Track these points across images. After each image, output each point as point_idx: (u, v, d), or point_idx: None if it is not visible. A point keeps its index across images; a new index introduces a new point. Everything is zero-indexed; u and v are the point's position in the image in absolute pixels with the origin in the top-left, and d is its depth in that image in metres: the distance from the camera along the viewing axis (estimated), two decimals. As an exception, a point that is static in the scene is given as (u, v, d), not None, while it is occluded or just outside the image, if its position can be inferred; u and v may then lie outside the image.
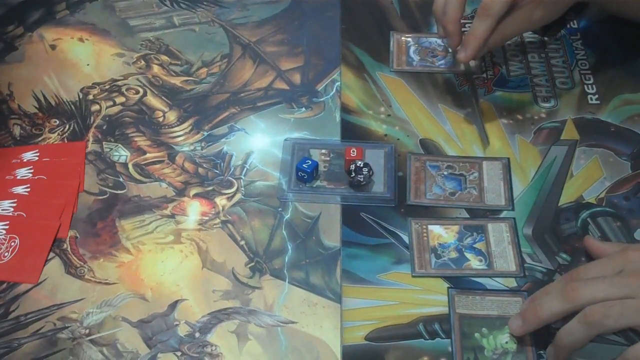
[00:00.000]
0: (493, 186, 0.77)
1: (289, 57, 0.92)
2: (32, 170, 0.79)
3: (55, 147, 0.82)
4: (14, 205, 0.76)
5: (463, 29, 0.94)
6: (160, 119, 0.85)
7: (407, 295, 0.70)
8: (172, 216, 0.76)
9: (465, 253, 0.72)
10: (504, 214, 0.75)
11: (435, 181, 0.77)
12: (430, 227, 0.75)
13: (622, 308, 0.60)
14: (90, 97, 0.87)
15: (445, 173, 0.78)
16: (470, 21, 0.95)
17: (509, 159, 0.79)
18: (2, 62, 0.91)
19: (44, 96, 0.87)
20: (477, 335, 0.66)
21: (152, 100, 0.87)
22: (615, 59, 0.91)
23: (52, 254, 0.73)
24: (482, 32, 0.78)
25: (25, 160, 0.80)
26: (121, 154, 0.82)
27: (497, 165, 0.79)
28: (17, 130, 0.84)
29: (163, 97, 0.87)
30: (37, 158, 0.80)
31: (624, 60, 0.90)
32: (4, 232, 0.74)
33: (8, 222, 0.74)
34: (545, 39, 0.93)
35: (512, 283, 0.70)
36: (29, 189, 0.77)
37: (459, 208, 0.76)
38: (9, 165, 0.79)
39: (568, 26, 0.95)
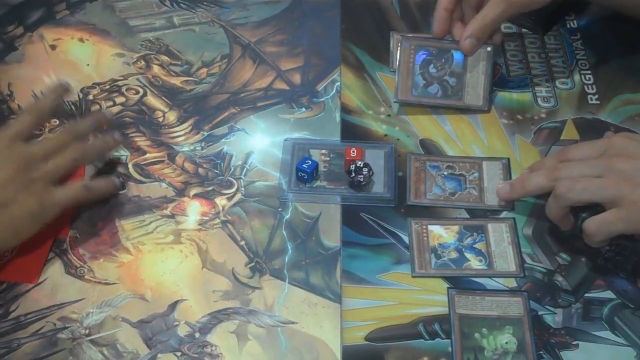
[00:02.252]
0: (493, 186, 0.76)
1: (289, 57, 0.92)
2: None
3: None
4: None
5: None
6: (160, 119, 0.85)
7: (407, 296, 0.70)
8: (172, 216, 0.76)
9: (465, 253, 0.72)
10: (504, 214, 0.75)
11: (435, 181, 0.77)
12: (430, 227, 0.75)
13: (586, 184, 0.67)
14: (90, 97, 0.87)
15: (445, 173, 0.78)
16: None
17: (508, 159, 0.79)
18: (2, 62, 0.91)
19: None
20: (477, 335, 0.66)
21: (152, 101, 0.87)
22: (615, 59, 0.91)
23: (52, 254, 0.73)
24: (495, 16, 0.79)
25: None
26: (121, 154, 0.81)
27: (497, 165, 0.79)
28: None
29: (163, 97, 0.87)
30: None
31: (624, 60, 0.90)
32: None
33: None
34: (545, 39, 0.93)
35: (512, 283, 0.70)
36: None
37: (458, 208, 0.76)
38: None
39: (568, 26, 0.95)
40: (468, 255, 0.72)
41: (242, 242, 0.74)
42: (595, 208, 0.67)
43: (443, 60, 0.81)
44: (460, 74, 0.83)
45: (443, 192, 0.77)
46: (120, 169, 0.79)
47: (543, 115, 0.84)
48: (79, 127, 0.75)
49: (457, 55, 0.83)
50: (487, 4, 0.79)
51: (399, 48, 0.84)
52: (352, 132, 0.83)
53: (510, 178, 0.78)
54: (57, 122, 0.84)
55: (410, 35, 0.85)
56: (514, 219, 0.75)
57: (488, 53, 0.81)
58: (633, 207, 0.65)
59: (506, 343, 0.66)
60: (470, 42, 0.80)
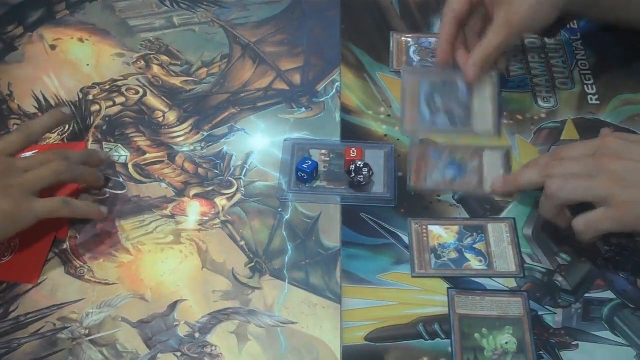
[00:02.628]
0: (493, 175, 0.77)
1: (289, 57, 0.92)
2: None
3: (55, 147, 0.81)
4: None
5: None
6: (160, 119, 0.85)
7: (407, 296, 0.70)
8: (172, 216, 0.76)
9: (465, 253, 0.72)
10: (504, 214, 0.75)
11: (437, 167, 0.77)
12: (430, 227, 0.75)
13: (576, 183, 0.67)
14: (90, 97, 0.87)
15: (447, 160, 0.78)
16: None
17: (509, 148, 0.79)
18: (2, 62, 0.91)
19: (43, 96, 0.87)
20: (477, 335, 0.66)
21: (152, 101, 0.87)
22: (615, 59, 0.91)
23: (52, 254, 0.73)
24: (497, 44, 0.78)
25: None
26: (121, 154, 0.81)
27: (498, 154, 0.79)
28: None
29: (163, 98, 0.87)
30: None
31: (624, 61, 0.90)
32: None
33: None
34: (546, 39, 0.93)
35: (512, 283, 0.70)
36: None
37: (458, 195, 0.76)
38: None
39: (568, 26, 0.95)
40: (468, 255, 0.72)
41: (242, 242, 0.74)
42: (593, 207, 0.67)
43: (448, 90, 0.79)
44: (466, 102, 0.82)
45: (443, 178, 0.77)
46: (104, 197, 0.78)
47: (543, 116, 0.84)
48: (68, 153, 0.74)
49: (462, 84, 0.81)
50: (489, 31, 0.78)
51: (402, 79, 0.83)
52: (352, 132, 0.83)
53: (510, 167, 0.78)
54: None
55: (413, 66, 0.83)
56: (514, 219, 0.75)
57: (492, 79, 0.79)
58: (622, 207, 0.65)
59: (506, 343, 0.66)
60: (474, 71, 0.79)
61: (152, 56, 0.92)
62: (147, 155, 0.81)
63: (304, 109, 0.86)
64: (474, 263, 0.72)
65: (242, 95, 0.88)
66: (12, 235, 0.70)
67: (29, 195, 0.69)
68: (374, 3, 0.98)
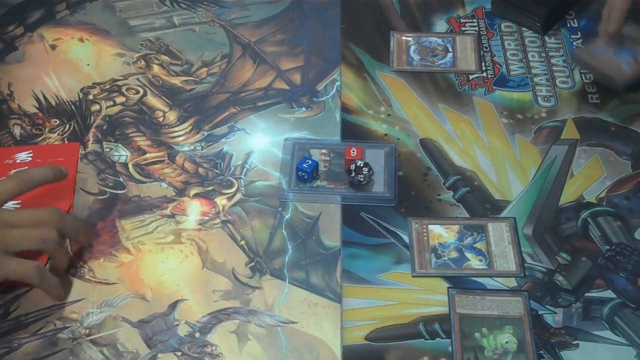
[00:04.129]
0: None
1: (289, 57, 0.92)
2: None
3: (49, 148, 0.81)
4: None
5: (463, 29, 0.95)
6: (160, 119, 0.85)
7: (407, 295, 0.70)
8: (172, 216, 0.76)
9: (465, 253, 0.72)
10: (504, 214, 0.75)
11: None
12: (430, 226, 0.74)
13: None
14: (91, 97, 0.87)
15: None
16: (470, 20, 0.96)
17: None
18: (2, 62, 0.91)
19: (44, 96, 0.87)
20: (477, 335, 0.66)
21: (152, 100, 0.87)
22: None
23: (52, 254, 0.73)
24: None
25: (18, 162, 0.80)
26: (121, 154, 0.82)
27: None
28: (17, 130, 0.84)
29: (163, 97, 0.87)
30: (30, 159, 0.80)
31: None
32: None
33: None
34: (546, 38, 0.93)
35: (512, 283, 0.70)
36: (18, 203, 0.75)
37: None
38: (1, 167, 0.79)
39: (568, 25, 0.95)
40: (468, 254, 0.72)
41: (242, 242, 0.74)
42: None
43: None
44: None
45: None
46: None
47: (543, 115, 0.84)
48: (65, 220, 0.70)
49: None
50: None
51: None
52: (352, 132, 0.83)
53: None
54: (57, 122, 0.84)
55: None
56: (514, 218, 0.75)
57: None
58: None
59: (506, 342, 0.66)
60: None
61: (152, 56, 0.92)
62: (147, 155, 0.81)
63: (304, 109, 0.86)
64: (474, 262, 0.72)
65: (242, 94, 0.88)
66: None
67: (4, 254, 0.66)
68: (374, 2, 0.98)
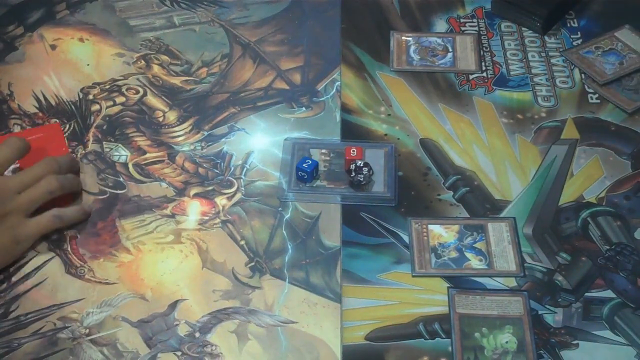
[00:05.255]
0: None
1: (289, 57, 0.92)
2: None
3: (31, 131, 0.82)
4: None
5: (463, 29, 0.95)
6: (160, 119, 0.85)
7: (407, 295, 0.70)
8: (172, 216, 0.76)
9: (465, 253, 0.72)
10: (504, 214, 0.75)
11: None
12: (430, 226, 0.74)
13: None
14: (91, 97, 0.87)
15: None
16: (470, 20, 0.96)
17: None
18: (2, 62, 0.91)
19: (44, 96, 0.87)
20: (477, 335, 0.66)
21: (152, 100, 0.87)
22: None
23: (52, 254, 0.73)
24: None
25: None
26: (121, 153, 0.82)
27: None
28: (17, 130, 0.84)
29: (163, 97, 0.87)
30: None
31: (624, 60, 0.90)
32: None
33: None
34: (546, 38, 0.93)
35: (512, 283, 0.70)
36: (17, 165, 0.77)
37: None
38: None
39: (568, 25, 0.95)
40: (468, 254, 0.72)
41: (242, 242, 0.74)
42: None
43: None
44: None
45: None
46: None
47: (543, 115, 0.84)
48: (58, 162, 0.75)
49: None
50: None
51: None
52: (352, 132, 0.83)
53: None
54: (57, 121, 0.84)
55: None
56: (514, 218, 0.75)
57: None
58: None
59: (506, 342, 0.66)
60: None
61: (152, 56, 0.92)
62: (147, 155, 0.81)
63: (304, 109, 0.86)
64: (474, 262, 0.72)
65: (242, 94, 0.88)
66: (10, 262, 0.71)
67: (24, 218, 0.72)
68: (374, 2, 0.98)
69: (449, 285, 0.70)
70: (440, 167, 0.80)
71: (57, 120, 0.84)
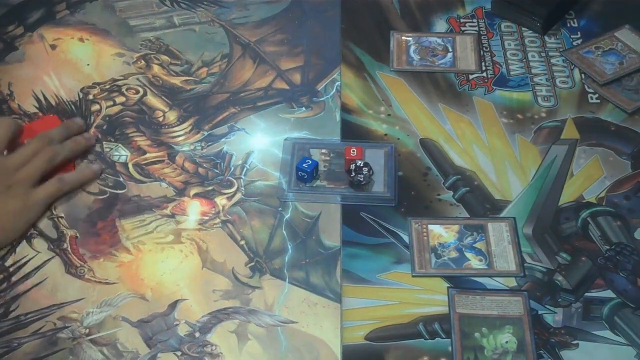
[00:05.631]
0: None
1: (289, 57, 0.92)
2: None
3: (30, 125, 0.83)
4: None
5: (463, 28, 0.95)
6: (160, 119, 0.85)
7: (407, 295, 0.70)
8: (172, 216, 0.76)
9: (465, 253, 0.72)
10: (504, 213, 0.75)
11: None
12: (430, 226, 0.74)
13: None
14: (91, 97, 0.87)
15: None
16: (470, 20, 0.96)
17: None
18: (2, 62, 0.91)
19: (44, 96, 0.87)
20: (477, 334, 0.66)
21: (152, 100, 0.87)
22: (615, 58, 0.91)
23: (52, 254, 0.73)
24: None
25: None
26: (121, 153, 0.82)
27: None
28: (17, 130, 0.84)
29: (163, 97, 0.87)
30: None
31: (624, 60, 0.90)
32: None
33: None
34: (546, 38, 0.93)
35: (512, 283, 0.70)
36: None
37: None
38: None
39: (568, 25, 0.95)
40: (468, 254, 0.72)
41: (242, 242, 0.74)
42: None
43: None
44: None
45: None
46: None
47: (543, 115, 0.84)
48: (50, 135, 0.78)
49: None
50: None
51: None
52: (352, 132, 0.83)
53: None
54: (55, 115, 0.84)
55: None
56: (514, 218, 0.75)
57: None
58: None
59: (506, 342, 0.66)
60: None
61: (152, 56, 0.92)
62: (147, 155, 0.81)
63: (304, 109, 0.86)
64: (474, 262, 0.72)
65: (242, 94, 0.88)
66: (24, 230, 0.73)
67: (30, 188, 0.74)
68: (374, 2, 0.98)
69: (449, 285, 0.70)
70: (440, 167, 0.80)
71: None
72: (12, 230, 0.73)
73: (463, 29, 0.95)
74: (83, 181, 0.78)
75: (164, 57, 0.92)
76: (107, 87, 0.88)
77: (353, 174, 0.76)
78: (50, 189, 0.75)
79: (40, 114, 0.85)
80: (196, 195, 0.78)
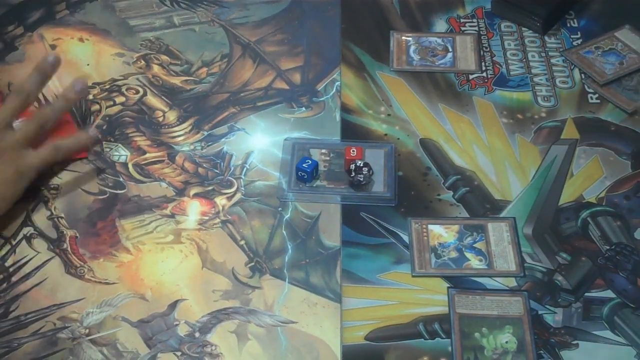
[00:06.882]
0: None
1: (289, 57, 0.92)
2: None
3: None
4: None
5: (463, 28, 0.95)
6: (160, 119, 0.85)
7: (407, 295, 0.70)
8: (172, 216, 0.76)
9: (465, 253, 0.72)
10: (504, 213, 0.75)
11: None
12: (430, 226, 0.74)
13: None
14: (90, 97, 0.87)
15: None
16: (470, 20, 0.96)
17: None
18: (2, 62, 0.91)
19: (44, 96, 0.87)
20: (477, 335, 0.66)
21: (152, 100, 0.87)
22: (615, 58, 0.91)
23: (52, 254, 0.73)
24: None
25: None
26: (121, 153, 0.82)
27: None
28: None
29: (163, 97, 0.87)
30: None
31: (624, 60, 0.90)
32: None
33: None
34: (546, 38, 0.93)
35: (512, 283, 0.70)
36: None
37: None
38: None
39: (568, 25, 0.95)
40: (468, 254, 0.72)
41: (242, 242, 0.74)
42: None
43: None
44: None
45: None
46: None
47: (543, 115, 0.84)
48: (26, 86, 0.76)
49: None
50: None
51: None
52: (352, 132, 0.83)
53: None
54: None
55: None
56: (514, 218, 0.75)
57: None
58: None
59: (506, 342, 0.66)
60: None
61: (152, 56, 0.92)
62: (147, 155, 0.81)
63: (304, 109, 0.86)
64: (474, 262, 0.72)
65: (242, 94, 0.88)
66: (20, 194, 0.73)
67: (23, 150, 0.74)
68: (374, 2, 0.98)
69: (448, 285, 0.70)
70: (440, 167, 0.80)
71: None
72: (8, 197, 0.73)
73: (463, 29, 0.95)
74: (79, 147, 0.78)
75: (164, 57, 0.92)
76: (107, 87, 0.88)
77: (353, 174, 0.76)
78: (44, 154, 0.75)
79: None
80: (196, 195, 0.78)
